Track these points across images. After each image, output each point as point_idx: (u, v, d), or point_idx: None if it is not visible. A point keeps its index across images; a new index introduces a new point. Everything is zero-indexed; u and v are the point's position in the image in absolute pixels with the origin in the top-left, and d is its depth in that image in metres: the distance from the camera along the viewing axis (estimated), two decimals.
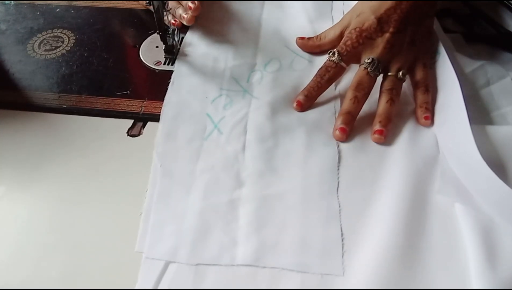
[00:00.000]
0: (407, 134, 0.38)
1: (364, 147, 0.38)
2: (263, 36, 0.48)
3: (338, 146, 0.38)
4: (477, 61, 0.43)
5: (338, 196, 0.35)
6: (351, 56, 0.41)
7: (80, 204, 0.35)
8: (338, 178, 0.36)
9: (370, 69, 0.39)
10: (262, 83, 0.43)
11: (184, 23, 0.47)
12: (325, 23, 0.48)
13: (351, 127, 0.38)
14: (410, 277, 0.30)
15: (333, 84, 0.42)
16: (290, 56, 0.46)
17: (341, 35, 0.44)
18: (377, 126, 0.38)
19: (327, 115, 0.40)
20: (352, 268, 0.31)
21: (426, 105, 0.39)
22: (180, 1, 0.48)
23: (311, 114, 0.41)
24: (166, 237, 0.32)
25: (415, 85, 0.41)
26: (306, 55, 0.46)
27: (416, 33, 0.40)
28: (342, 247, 0.32)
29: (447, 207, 0.34)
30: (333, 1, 0.52)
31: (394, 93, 0.39)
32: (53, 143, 0.39)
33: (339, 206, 0.34)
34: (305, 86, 0.42)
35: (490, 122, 0.39)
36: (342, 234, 0.32)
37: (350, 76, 0.42)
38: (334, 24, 0.46)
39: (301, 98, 0.41)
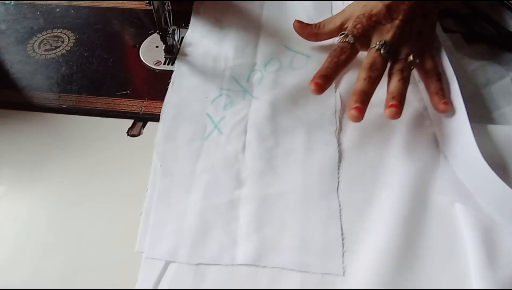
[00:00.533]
0: (407, 134, 0.38)
1: (364, 147, 0.38)
2: (263, 36, 0.48)
3: (338, 146, 0.38)
4: (477, 61, 0.43)
5: (338, 196, 0.35)
6: (362, 40, 0.39)
7: (80, 204, 0.35)
8: (338, 177, 0.36)
9: (383, 50, 0.37)
10: (262, 83, 0.43)
11: None
12: None
13: (366, 107, 0.35)
14: (410, 277, 0.30)
15: (333, 84, 0.42)
16: (290, 55, 0.46)
17: (341, 27, 0.43)
18: (391, 101, 0.35)
19: (327, 115, 0.40)
20: (352, 268, 0.31)
21: (441, 92, 0.37)
22: None
23: (311, 114, 0.40)
24: (166, 237, 0.32)
25: (425, 74, 0.39)
26: (306, 52, 0.46)
27: (424, 25, 0.40)
28: (343, 247, 0.32)
29: (447, 207, 0.34)
30: (333, 1, 0.52)
31: (405, 74, 0.37)
32: (53, 143, 0.39)
33: (340, 206, 0.34)
34: (305, 83, 0.39)
35: (490, 122, 0.39)
36: (342, 234, 0.32)
37: (350, 76, 0.42)
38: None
39: (318, 79, 0.37)
